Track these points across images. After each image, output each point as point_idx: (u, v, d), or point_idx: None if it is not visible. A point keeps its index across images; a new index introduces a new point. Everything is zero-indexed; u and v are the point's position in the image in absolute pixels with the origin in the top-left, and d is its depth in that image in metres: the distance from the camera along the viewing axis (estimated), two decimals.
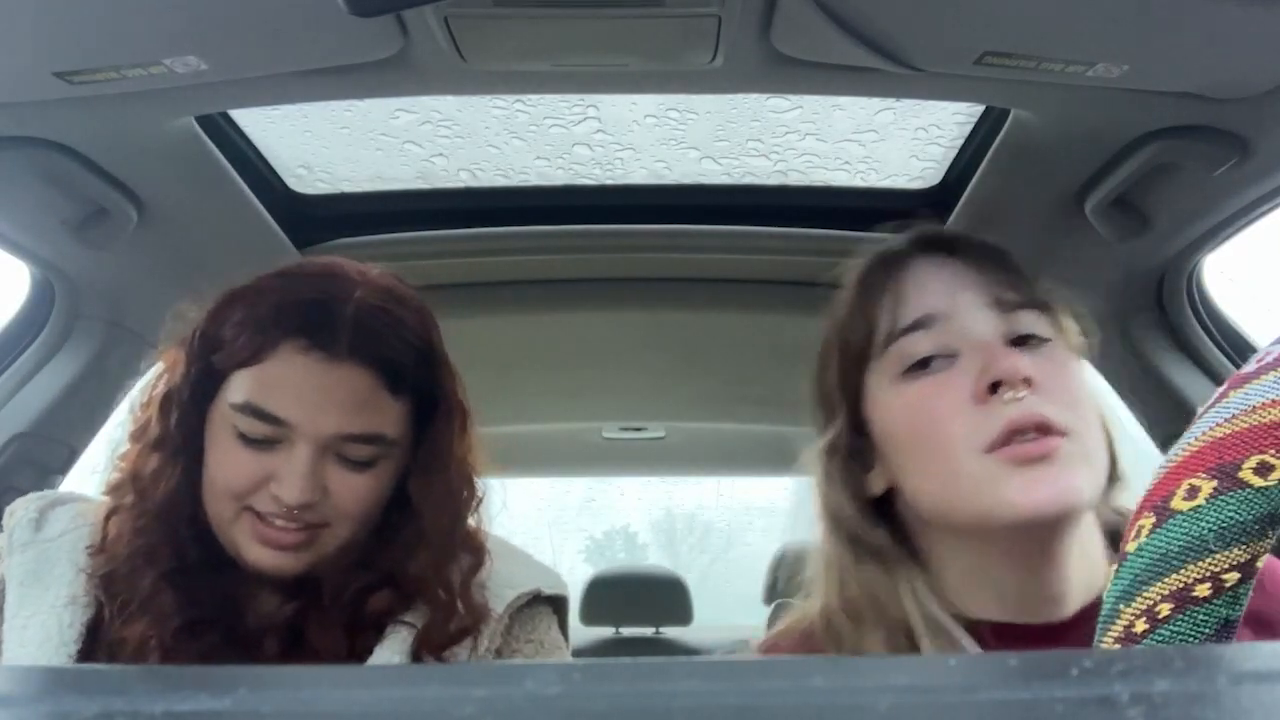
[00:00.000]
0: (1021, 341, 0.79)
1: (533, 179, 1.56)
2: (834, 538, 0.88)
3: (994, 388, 0.76)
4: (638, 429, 2.32)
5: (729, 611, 4.79)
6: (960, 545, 0.82)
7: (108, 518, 0.91)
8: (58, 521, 0.94)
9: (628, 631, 3.33)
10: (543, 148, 1.47)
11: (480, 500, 0.99)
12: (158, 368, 0.95)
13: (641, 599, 3.31)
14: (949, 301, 0.80)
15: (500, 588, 0.95)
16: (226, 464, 0.88)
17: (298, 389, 0.87)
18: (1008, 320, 0.80)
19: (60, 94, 1.06)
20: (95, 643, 0.87)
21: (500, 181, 1.57)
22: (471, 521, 0.98)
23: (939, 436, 0.78)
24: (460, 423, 0.97)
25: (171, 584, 0.88)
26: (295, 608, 0.90)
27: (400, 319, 0.92)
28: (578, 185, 1.58)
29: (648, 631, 3.35)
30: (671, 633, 3.35)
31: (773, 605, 2.08)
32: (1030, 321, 0.80)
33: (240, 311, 0.90)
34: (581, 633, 3.30)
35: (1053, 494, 0.74)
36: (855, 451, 0.87)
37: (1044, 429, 0.75)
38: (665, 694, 0.27)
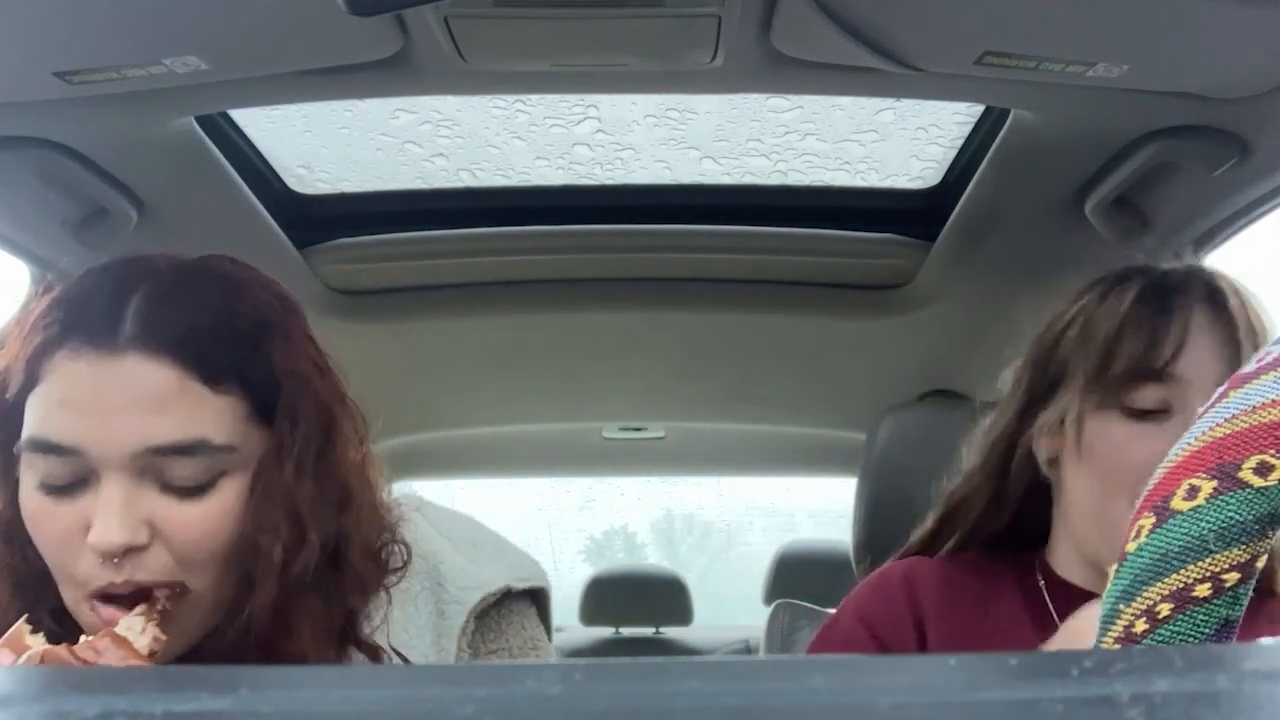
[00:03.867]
0: None
1: (533, 179, 1.56)
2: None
3: None
4: (638, 429, 2.32)
5: (729, 612, 4.78)
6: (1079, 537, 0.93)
7: None
8: None
9: (628, 631, 3.33)
10: (543, 148, 1.47)
11: (380, 533, 0.79)
12: None
13: (641, 599, 3.31)
14: (1195, 367, 0.87)
15: (463, 589, 0.81)
16: (42, 531, 0.70)
17: (78, 403, 0.68)
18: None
19: (60, 94, 1.06)
20: None
21: (500, 181, 1.57)
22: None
23: (1117, 481, 0.87)
24: (324, 426, 0.75)
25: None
26: None
27: (206, 292, 0.73)
28: (578, 185, 1.58)
29: (648, 631, 3.35)
30: (671, 633, 3.35)
31: (773, 605, 2.07)
32: None
33: (24, 328, 0.73)
34: (581, 633, 3.30)
35: None
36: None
37: None
38: (665, 694, 0.27)
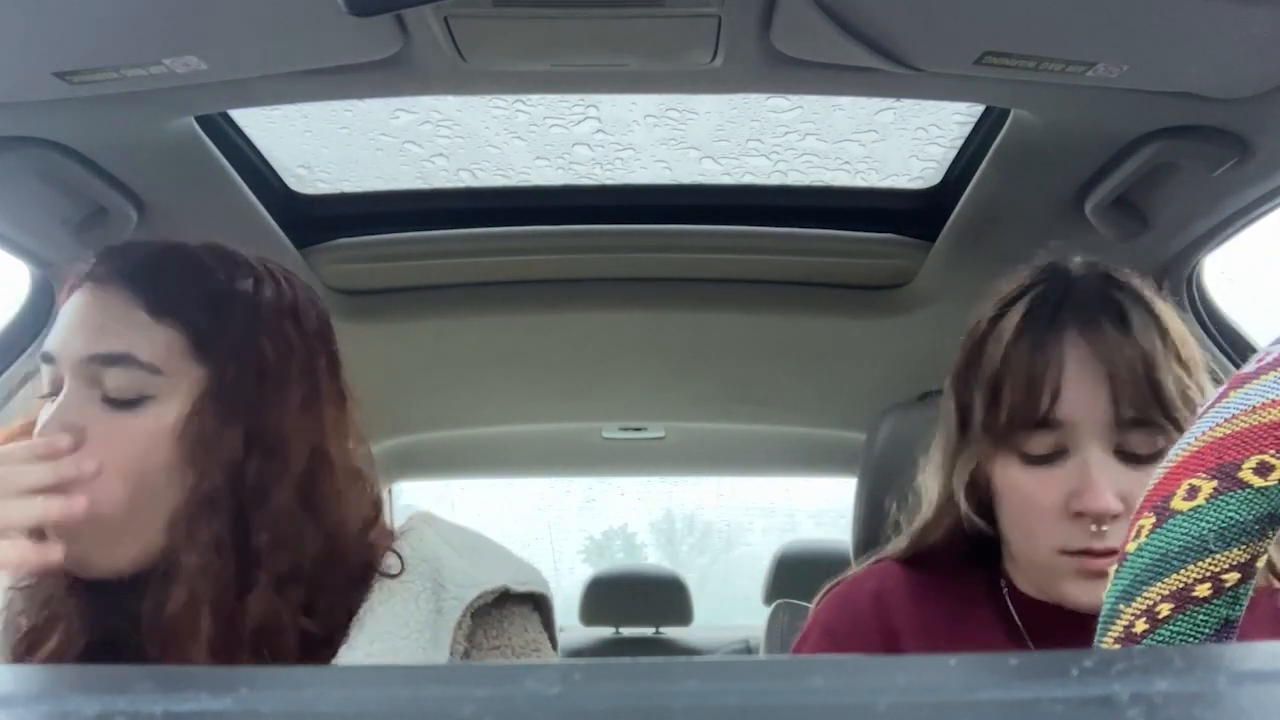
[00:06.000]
0: (1130, 456, 0.84)
1: (533, 179, 1.57)
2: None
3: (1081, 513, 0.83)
4: (638, 429, 2.32)
5: (729, 612, 4.79)
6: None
7: None
8: None
9: (628, 631, 3.34)
10: (543, 148, 1.47)
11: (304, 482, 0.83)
12: None
13: (641, 599, 3.31)
14: (1077, 410, 0.84)
15: (462, 587, 0.85)
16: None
17: (63, 320, 0.84)
18: (1121, 436, 0.84)
19: (60, 94, 1.06)
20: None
21: (500, 181, 1.57)
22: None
23: (1029, 528, 0.87)
24: (260, 375, 0.83)
25: (76, 593, 0.81)
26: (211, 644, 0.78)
27: (190, 254, 0.86)
28: (578, 185, 1.58)
29: (648, 631, 3.35)
30: (671, 633, 3.36)
31: (773, 605, 2.07)
32: (1141, 441, 0.84)
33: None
34: (581, 633, 3.30)
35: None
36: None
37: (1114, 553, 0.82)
38: (665, 694, 0.27)
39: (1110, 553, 0.82)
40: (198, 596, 0.78)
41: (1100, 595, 0.82)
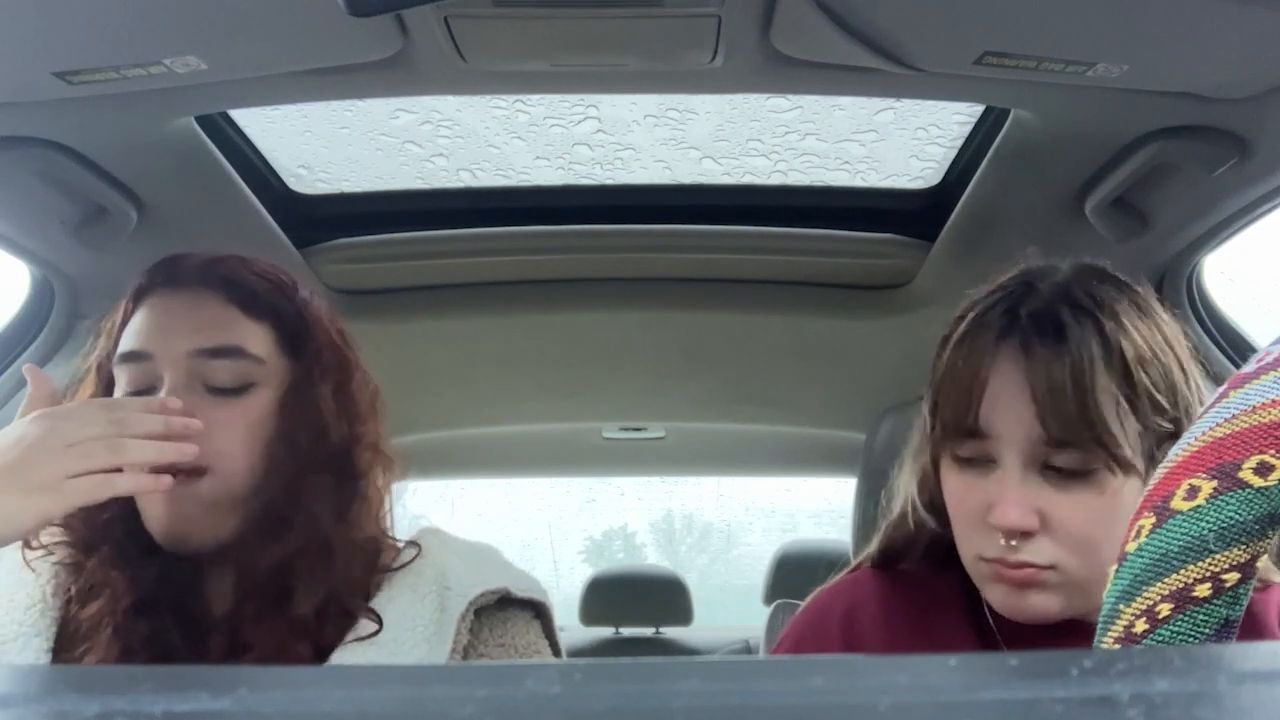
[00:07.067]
0: (1056, 474, 0.84)
1: (533, 179, 1.57)
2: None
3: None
4: (638, 429, 2.32)
5: (729, 612, 4.79)
6: None
7: None
8: None
9: (628, 631, 3.34)
10: (543, 148, 1.47)
11: (367, 445, 0.96)
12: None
13: (641, 599, 3.31)
14: (1000, 424, 0.84)
15: (466, 587, 0.92)
16: None
17: (151, 321, 0.91)
18: (1047, 452, 0.83)
19: (60, 94, 1.06)
20: (63, 631, 0.88)
21: (500, 181, 1.57)
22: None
23: (958, 529, 0.89)
24: (341, 365, 0.96)
25: (117, 565, 0.88)
26: (235, 601, 0.87)
27: (249, 260, 0.97)
28: (578, 185, 1.58)
29: (648, 631, 3.35)
30: (671, 633, 3.36)
31: (773, 605, 2.07)
32: (1069, 459, 0.83)
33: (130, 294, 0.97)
34: (581, 633, 3.30)
35: (1023, 612, 0.85)
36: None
37: (1029, 568, 0.84)
38: (665, 694, 0.27)
39: (1022, 567, 0.83)
40: (320, 531, 0.89)
41: (1016, 605, 0.84)
